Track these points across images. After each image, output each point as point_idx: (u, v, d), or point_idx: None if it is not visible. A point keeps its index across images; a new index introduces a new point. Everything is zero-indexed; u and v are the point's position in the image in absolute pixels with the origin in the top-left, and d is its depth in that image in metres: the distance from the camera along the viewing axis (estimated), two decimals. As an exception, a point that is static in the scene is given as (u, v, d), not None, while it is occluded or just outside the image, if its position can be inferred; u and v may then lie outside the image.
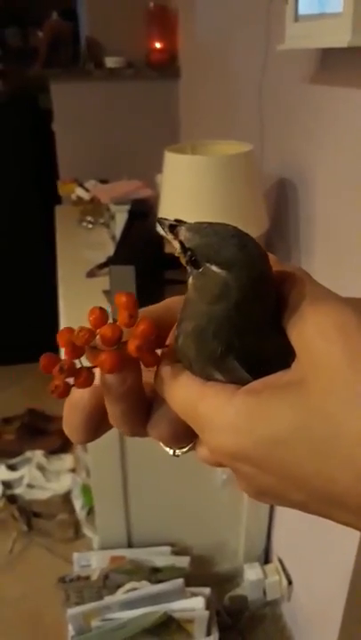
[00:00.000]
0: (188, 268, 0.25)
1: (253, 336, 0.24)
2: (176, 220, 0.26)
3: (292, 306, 0.24)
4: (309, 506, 0.23)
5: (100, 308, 0.26)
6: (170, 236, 0.26)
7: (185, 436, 0.27)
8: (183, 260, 0.25)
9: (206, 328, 0.24)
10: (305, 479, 0.21)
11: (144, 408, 0.27)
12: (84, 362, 0.26)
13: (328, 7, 0.95)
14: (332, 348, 0.21)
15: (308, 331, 0.22)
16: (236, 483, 0.26)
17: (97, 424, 0.28)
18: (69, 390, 0.25)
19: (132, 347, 0.25)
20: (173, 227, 0.25)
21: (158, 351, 0.27)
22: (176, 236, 0.25)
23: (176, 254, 0.26)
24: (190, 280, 0.25)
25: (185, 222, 0.25)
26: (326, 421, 0.20)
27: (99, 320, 0.25)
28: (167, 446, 0.29)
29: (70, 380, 0.25)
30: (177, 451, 0.29)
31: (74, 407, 0.27)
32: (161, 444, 0.28)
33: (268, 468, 0.22)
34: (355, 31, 0.84)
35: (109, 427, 0.28)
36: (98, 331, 0.25)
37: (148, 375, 0.27)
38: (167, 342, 0.28)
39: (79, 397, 0.27)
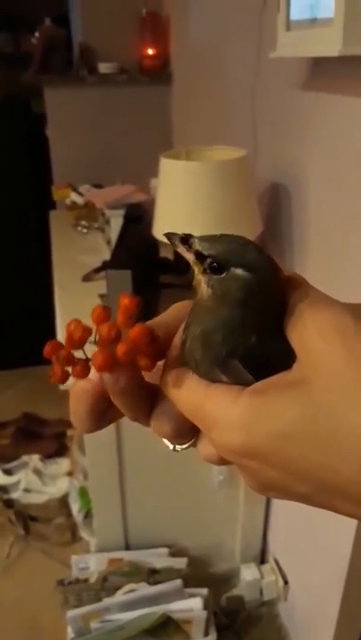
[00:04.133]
0: (203, 276, 0.26)
1: (259, 338, 0.25)
2: (185, 234, 0.27)
3: (291, 309, 0.25)
4: (313, 498, 0.24)
5: (104, 307, 0.27)
6: (181, 248, 0.27)
7: (186, 432, 0.28)
8: (199, 269, 0.27)
9: (216, 332, 0.26)
10: (309, 472, 0.23)
11: (147, 400, 0.28)
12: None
13: (319, 12, 0.97)
14: (332, 348, 0.23)
15: (308, 332, 0.24)
16: (241, 478, 0.27)
17: (101, 414, 0.29)
18: (67, 377, 0.27)
19: (120, 351, 0.26)
20: (185, 239, 0.27)
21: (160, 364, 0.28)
22: (190, 247, 0.27)
23: (191, 263, 0.27)
24: (206, 287, 0.26)
25: (193, 235, 0.27)
26: (329, 416, 0.22)
27: (99, 318, 0.27)
28: (168, 441, 0.30)
29: (69, 370, 0.27)
30: (177, 446, 0.30)
31: (76, 399, 0.28)
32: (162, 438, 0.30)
33: (274, 462, 0.23)
34: (345, 40, 0.86)
35: (115, 416, 0.29)
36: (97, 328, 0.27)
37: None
38: (173, 344, 0.29)
39: (80, 389, 0.28)
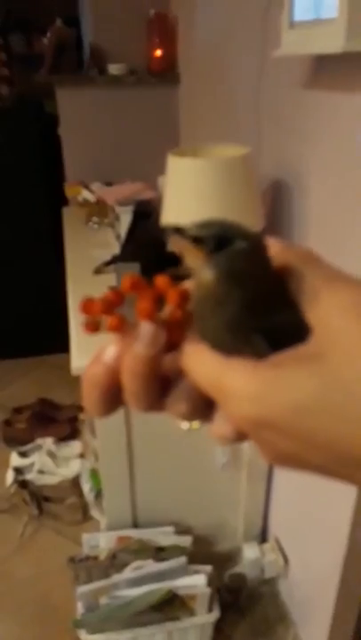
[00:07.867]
0: (205, 258, 0.25)
1: (275, 311, 0.24)
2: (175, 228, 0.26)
3: (307, 284, 0.25)
4: (330, 469, 0.23)
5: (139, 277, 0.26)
6: (177, 238, 0.26)
7: (202, 411, 0.28)
8: (200, 252, 0.25)
9: (232, 314, 0.25)
10: (327, 443, 0.22)
11: (159, 386, 0.27)
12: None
13: (323, 13, 0.94)
14: (350, 325, 0.22)
15: (325, 308, 0.23)
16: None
17: (113, 399, 0.28)
18: (98, 328, 0.27)
19: (172, 297, 0.26)
20: (178, 230, 0.26)
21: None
22: (186, 237, 0.25)
23: (192, 248, 0.25)
24: (210, 270, 0.25)
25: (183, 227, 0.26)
26: (345, 390, 0.21)
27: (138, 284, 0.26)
28: (184, 421, 0.29)
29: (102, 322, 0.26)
30: (192, 424, 0.29)
31: (90, 384, 0.28)
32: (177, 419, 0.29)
33: (292, 434, 0.23)
34: (348, 37, 0.83)
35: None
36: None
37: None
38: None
39: (93, 374, 0.27)
